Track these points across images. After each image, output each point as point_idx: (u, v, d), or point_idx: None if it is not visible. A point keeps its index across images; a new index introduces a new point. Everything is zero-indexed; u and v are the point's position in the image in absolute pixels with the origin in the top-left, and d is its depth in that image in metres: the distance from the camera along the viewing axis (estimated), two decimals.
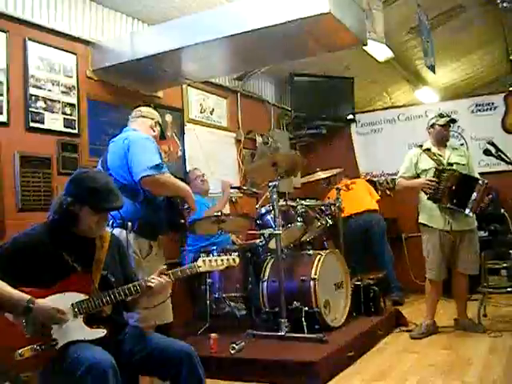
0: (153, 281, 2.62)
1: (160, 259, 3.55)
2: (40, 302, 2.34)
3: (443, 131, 4.82)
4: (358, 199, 6.76)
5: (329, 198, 6.15)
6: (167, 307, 3.38)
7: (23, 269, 2.43)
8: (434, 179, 4.59)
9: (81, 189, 2.56)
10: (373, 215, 6.67)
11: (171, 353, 2.55)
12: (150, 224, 3.44)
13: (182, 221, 3.54)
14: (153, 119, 3.77)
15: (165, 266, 2.72)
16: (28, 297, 2.32)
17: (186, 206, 3.54)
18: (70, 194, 2.57)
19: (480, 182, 4.56)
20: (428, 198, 4.67)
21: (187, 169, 5.77)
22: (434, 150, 4.83)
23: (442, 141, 4.84)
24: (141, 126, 3.68)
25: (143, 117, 3.75)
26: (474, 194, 4.51)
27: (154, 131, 3.73)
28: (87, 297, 2.48)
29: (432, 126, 4.84)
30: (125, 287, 2.56)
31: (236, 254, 2.85)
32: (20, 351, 2.29)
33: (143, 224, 3.40)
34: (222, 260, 2.79)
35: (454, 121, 4.93)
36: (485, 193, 4.54)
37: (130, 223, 3.31)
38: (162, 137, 3.90)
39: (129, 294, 2.58)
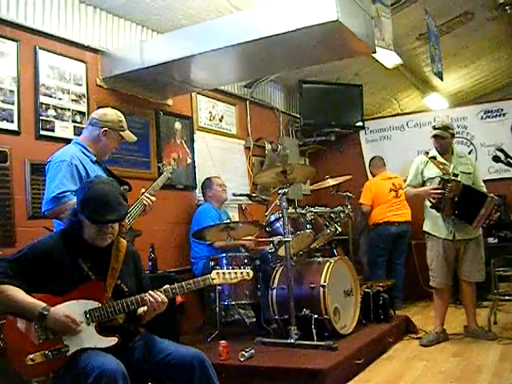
0: (148, 297, 2.58)
1: None
2: (54, 310, 2.36)
3: (435, 143, 4.78)
4: (406, 209, 6.67)
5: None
6: None
7: (39, 275, 2.45)
8: (439, 187, 4.56)
9: (80, 198, 2.57)
10: (409, 227, 6.71)
11: (183, 359, 2.54)
12: None
13: None
14: (102, 127, 3.39)
15: (167, 286, 2.68)
16: (43, 304, 2.35)
17: None
18: (76, 201, 2.61)
19: (489, 198, 4.51)
20: (431, 207, 4.65)
21: (197, 176, 5.79)
22: (440, 158, 4.79)
23: (441, 150, 4.81)
24: (86, 136, 3.46)
25: (92, 125, 3.45)
26: (483, 210, 4.48)
27: (101, 140, 3.41)
28: (100, 305, 2.49)
29: (432, 136, 4.82)
30: (138, 297, 2.57)
31: (249, 266, 2.83)
32: (31, 356, 2.31)
33: None
34: (235, 273, 2.77)
35: (447, 128, 4.80)
36: (494, 209, 4.49)
37: None
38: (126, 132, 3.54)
39: (141, 304, 2.58)
